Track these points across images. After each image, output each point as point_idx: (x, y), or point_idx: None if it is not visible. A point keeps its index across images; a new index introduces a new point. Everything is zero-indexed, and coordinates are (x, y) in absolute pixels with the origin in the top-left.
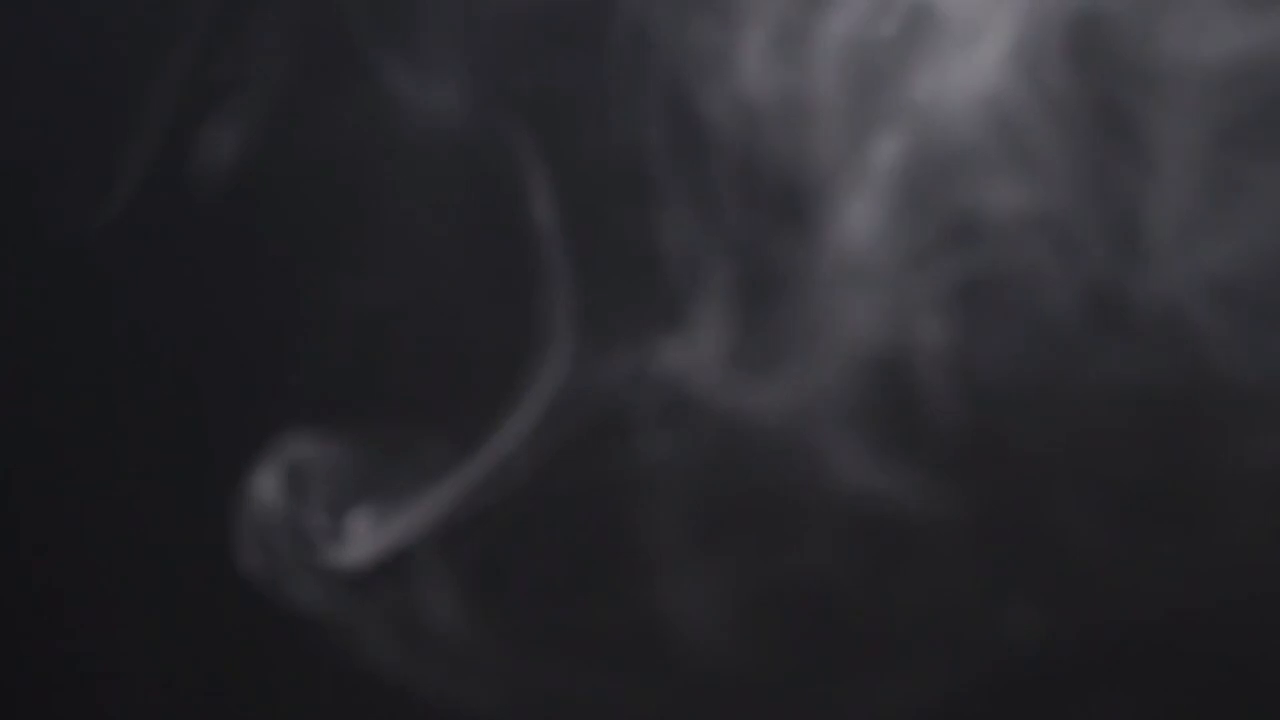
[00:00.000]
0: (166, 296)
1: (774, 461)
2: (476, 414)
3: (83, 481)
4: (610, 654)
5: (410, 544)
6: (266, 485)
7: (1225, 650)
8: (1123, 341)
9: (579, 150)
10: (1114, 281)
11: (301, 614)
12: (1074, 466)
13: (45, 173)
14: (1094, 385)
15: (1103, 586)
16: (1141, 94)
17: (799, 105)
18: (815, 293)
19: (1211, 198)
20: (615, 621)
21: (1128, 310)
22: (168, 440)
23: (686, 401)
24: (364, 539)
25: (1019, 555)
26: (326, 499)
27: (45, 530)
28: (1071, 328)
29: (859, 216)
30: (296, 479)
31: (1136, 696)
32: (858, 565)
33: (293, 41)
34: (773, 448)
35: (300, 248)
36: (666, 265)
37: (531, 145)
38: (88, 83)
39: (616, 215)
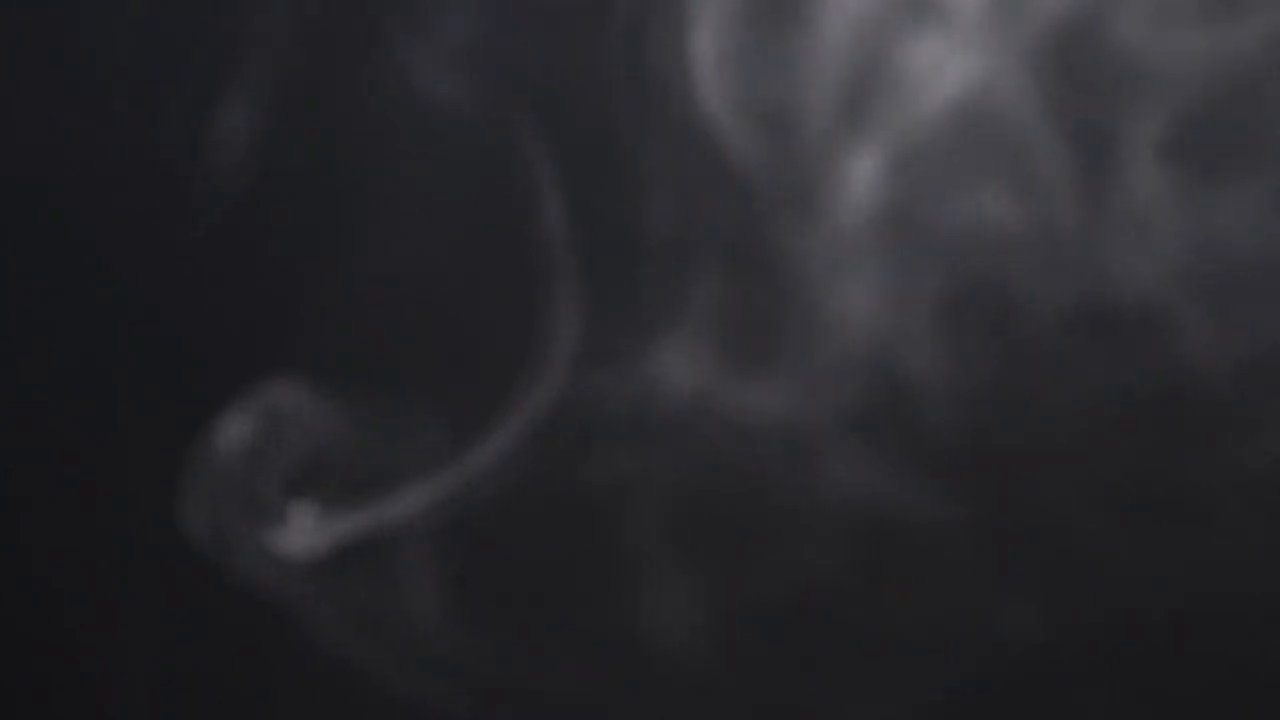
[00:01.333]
0: (173, 272)
1: (767, 465)
2: (468, 406)
3: (80, 464)
4: (594, 659)
5: (387, 534)
6: (232, 445)
7: (1224, 648)
8: (1108, 342)
9: (586, 147)
10: (1097, 283)
11: (283, 606)
12: (1067, 467)
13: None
14: (1082, 386)
15: (1099, 586)
16: (1112, 98)
17: (792, 110)
18: (810, 295)
19: (1185, 199)
20: (602, 625)
21: (1112, 312)
22: (162, 412)
23: (677, 404)
24: (316, 524)
25: (1014, 556)
26: (291, 478)
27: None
28: (1058, 330)
29: (849, 220)
30: (267, 448)
31: (1133, 696)
32: (852, 568)
33: (312, 24)
34: (766, 451)
35: (308, 227)
36: (662, 268)
37: (539, 135)
38: (107, 69)
39: (617, 216)
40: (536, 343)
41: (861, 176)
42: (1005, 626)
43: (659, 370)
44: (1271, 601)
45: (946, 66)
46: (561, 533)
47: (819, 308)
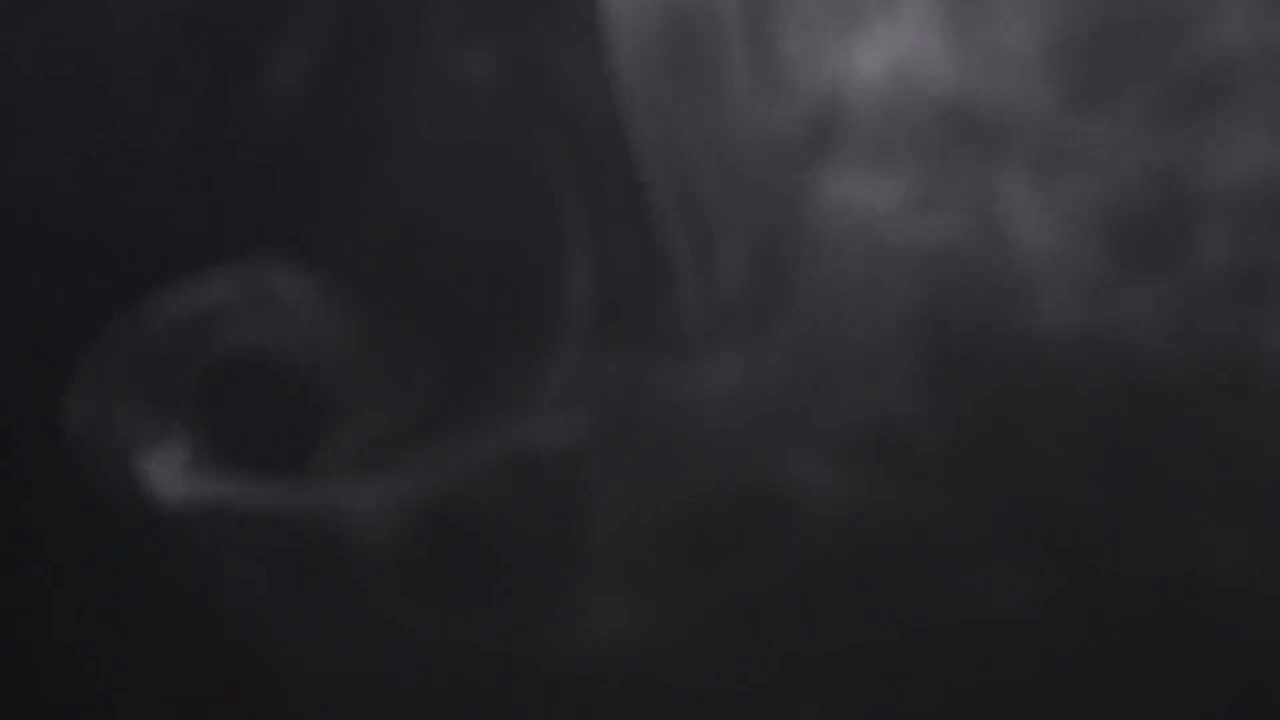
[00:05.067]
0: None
1: (749, 467)
2: (449, 374)
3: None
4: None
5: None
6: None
7: (1221, 635)
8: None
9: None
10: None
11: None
12: (1051, 459)
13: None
14: (1058, 378)
15: (1085, 573)
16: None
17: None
18: (790, 294)
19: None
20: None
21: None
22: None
23: (662, 408)
24: (189, 469)
25: (1005, 551)
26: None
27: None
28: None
29: (835, 222)
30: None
31: (1129, 689)
32: (836, 566)
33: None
34: (750, 453)
35: (323, 159)
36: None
37: (558, 128)
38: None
39: (619, 222)
40: (531, 317)
41: (832, 187)
42: (994, 621)
43: (645, 377)
44: (1266, 585)
45: (911, 71)
46: (530, 529)
47: (800, 306)
